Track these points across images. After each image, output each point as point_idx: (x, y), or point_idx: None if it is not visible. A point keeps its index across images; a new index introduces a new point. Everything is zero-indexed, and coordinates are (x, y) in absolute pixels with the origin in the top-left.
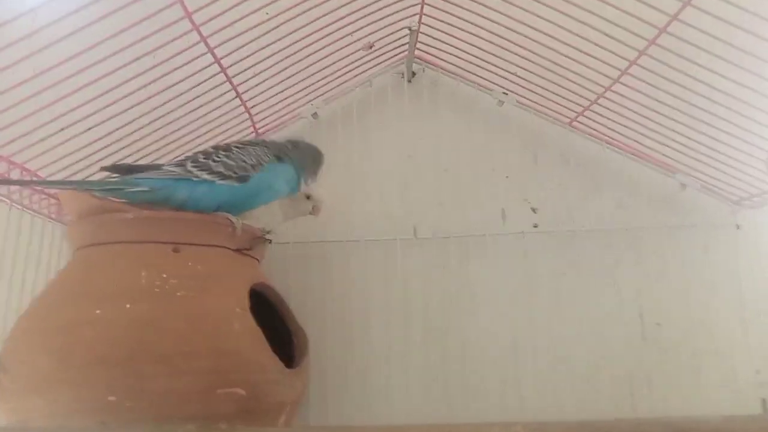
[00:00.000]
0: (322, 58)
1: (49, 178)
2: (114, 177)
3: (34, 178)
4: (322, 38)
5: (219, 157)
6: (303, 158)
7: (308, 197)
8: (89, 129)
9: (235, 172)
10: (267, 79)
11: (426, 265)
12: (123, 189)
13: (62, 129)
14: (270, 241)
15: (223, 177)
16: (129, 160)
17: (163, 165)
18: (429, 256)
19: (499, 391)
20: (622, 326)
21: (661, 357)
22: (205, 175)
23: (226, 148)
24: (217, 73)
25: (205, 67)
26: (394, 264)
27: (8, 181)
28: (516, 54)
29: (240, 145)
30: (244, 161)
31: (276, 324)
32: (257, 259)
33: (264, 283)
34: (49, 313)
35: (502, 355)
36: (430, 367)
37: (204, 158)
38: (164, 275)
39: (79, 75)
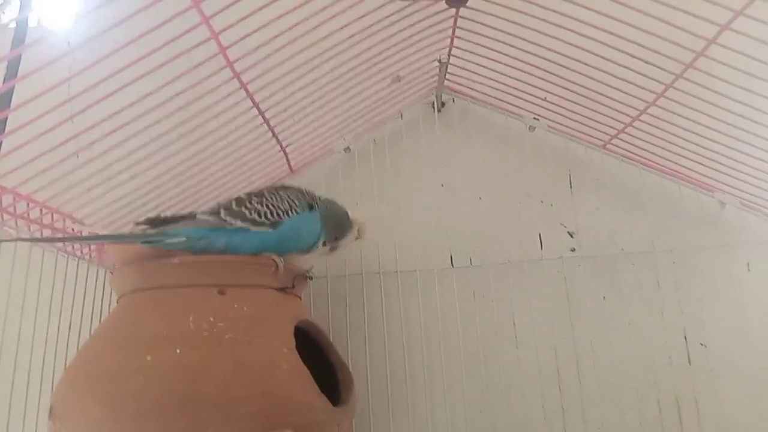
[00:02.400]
0: (354, 95)
1: (93, 233)
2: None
3: (79, 231)
4: (355, 76)
5: (251, 204)
6: (329, 218)
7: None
8: (132, 178)
9: (267, 218)
10: (302, 118)
11: (464, 294)
12: (162, 240)
13: (102, 175)
14: (311, 278)
15: (256, 224)
16: (168, 203)
17: (196, 214)
18: (467, 285)
19: (544, 421)
20: (666, 350)
21: (709, 380)
22: (239, 223)
23: (259, 194)
24: (249, 108)
25: (238, 102)
26: (432, 294)
27: (53, 239)
28: (545, 80)
29: (273, 191)
30: (277, 207)
31: (320, 361)
32: (299, 297)
33: (307, 320)
34: (99, 361)
35: (546, 384)
36: (474, 399)
37: (237, 206)
38: (212, 318)
39: (115, 118)
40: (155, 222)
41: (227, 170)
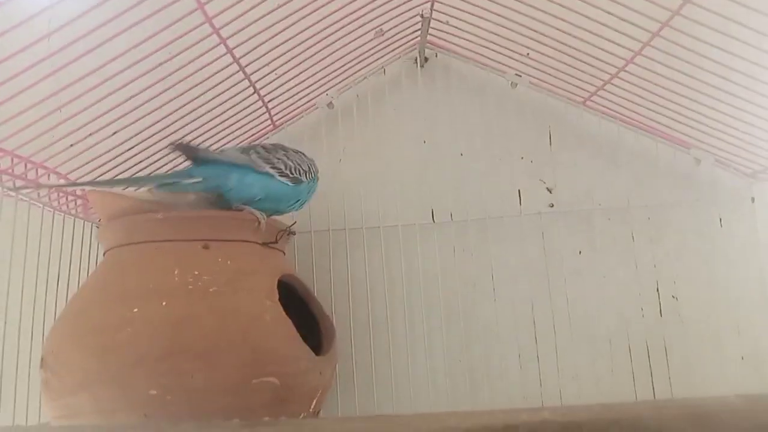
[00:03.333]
0: (336, 50)
1: (109, 179)
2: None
3: (68, 179)
4: (336, 31)
5: (278, 157)
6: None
7: None
8: (114, 133)
9: (291, 173)
10: (283, 73)
11: (445, 248)
12: (180, 182)
13: (85, 130)
14: (294, 233)
15: (282, 174)
16: (152, 158)
17: (224, 150)
18: (448, 240)
19: (520, 370)
20: (639, 301)
21: (679, 331)
22: (268, 168)
23: (284, 149)
24: (230, 64)
25: (218, 58)
26: (413, 249)
27: (70, 184)
28: (528, 37)
29: (294, 151)
30: (299, 166)
31: (303, 313)
32: (282, 252)
33: (290, 274)
34: (88, 314)
35: (523, 335)
36: (453, 349)
37: (266, 152)
38: (196, 272)
39: (97, 74)
40: (184, 148)
41: (209, 125)
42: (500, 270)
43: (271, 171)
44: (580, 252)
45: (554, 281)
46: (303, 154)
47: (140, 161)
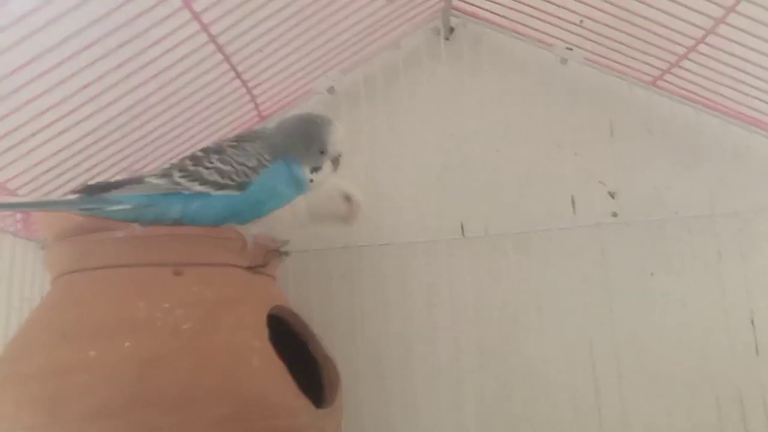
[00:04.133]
0: (338, 22)
1: (18, 199)
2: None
3: None
4: None
5: (211, 162)
6: (289, 143)
7: (347, 198)
8: (62, 133)
9: (232, 179)
10: (272, 52)
11: (478, 269)
12: (101, 208)
13: (25, 130)
14: (287, 254)
15: (219, 186)
16: (116, 162)
17: (144, 177)
18: (481, 259)
19: (575, 423)
20: (728, 335)
21: None
22: (197, 187)
23: (219, 150)
24: (206, 43)
25: (190, 36)
26: (438, 271)
27: None
28: (580, 1)
29: (234, 143)
30: (243, 164)
31: (300, 354)
32: (273, 277)
33: (282, 306)
34: (33, 356)
35: (578, 377)
36: (489, 397)
37: (193, 165)
38: (166, 305)
39: (40, 57)
40: (95, 189)
41: (181, 118)
42: (548, 297)
43: (202, 189)
44: (651, 274)
45: (618, 311)
46: (252, 141)
47: (96, 164)
